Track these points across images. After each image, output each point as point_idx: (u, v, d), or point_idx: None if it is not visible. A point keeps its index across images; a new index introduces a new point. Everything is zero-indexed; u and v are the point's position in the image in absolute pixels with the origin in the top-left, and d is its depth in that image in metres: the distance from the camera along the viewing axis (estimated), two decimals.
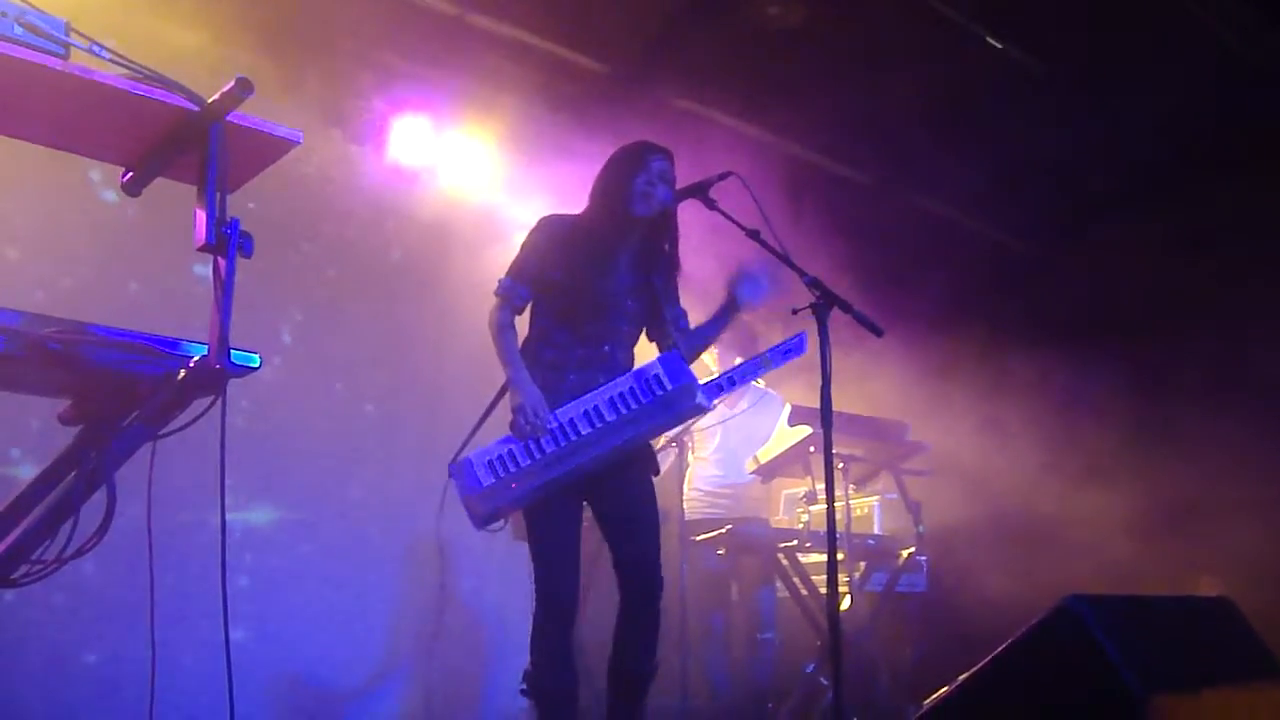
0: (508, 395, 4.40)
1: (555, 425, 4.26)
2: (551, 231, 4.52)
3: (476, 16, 6.60)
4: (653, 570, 4.38)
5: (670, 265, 4.63)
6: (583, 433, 4.26)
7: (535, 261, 4.48)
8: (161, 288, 5.91)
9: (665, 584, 4.42)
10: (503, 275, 4.51)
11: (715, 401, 4.53)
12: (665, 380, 4.32)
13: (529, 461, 4.23)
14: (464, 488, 4.24)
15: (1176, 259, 7.53)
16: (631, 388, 4.32)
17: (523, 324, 4.55)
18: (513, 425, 4.28)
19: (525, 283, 4.48)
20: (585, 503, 4.42)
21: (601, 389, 4.33)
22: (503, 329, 4.44)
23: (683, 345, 4.58)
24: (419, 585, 7.08)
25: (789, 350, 4.51)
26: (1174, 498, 7.08)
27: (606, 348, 4.46)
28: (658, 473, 4.60)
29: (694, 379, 4.35)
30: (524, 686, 4.36)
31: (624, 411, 4.29)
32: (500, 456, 4.24)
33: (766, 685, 6.71)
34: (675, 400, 4.29)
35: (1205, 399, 7.34)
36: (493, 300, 4.49)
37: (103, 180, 6.00)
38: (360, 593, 6.73)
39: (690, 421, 4.54)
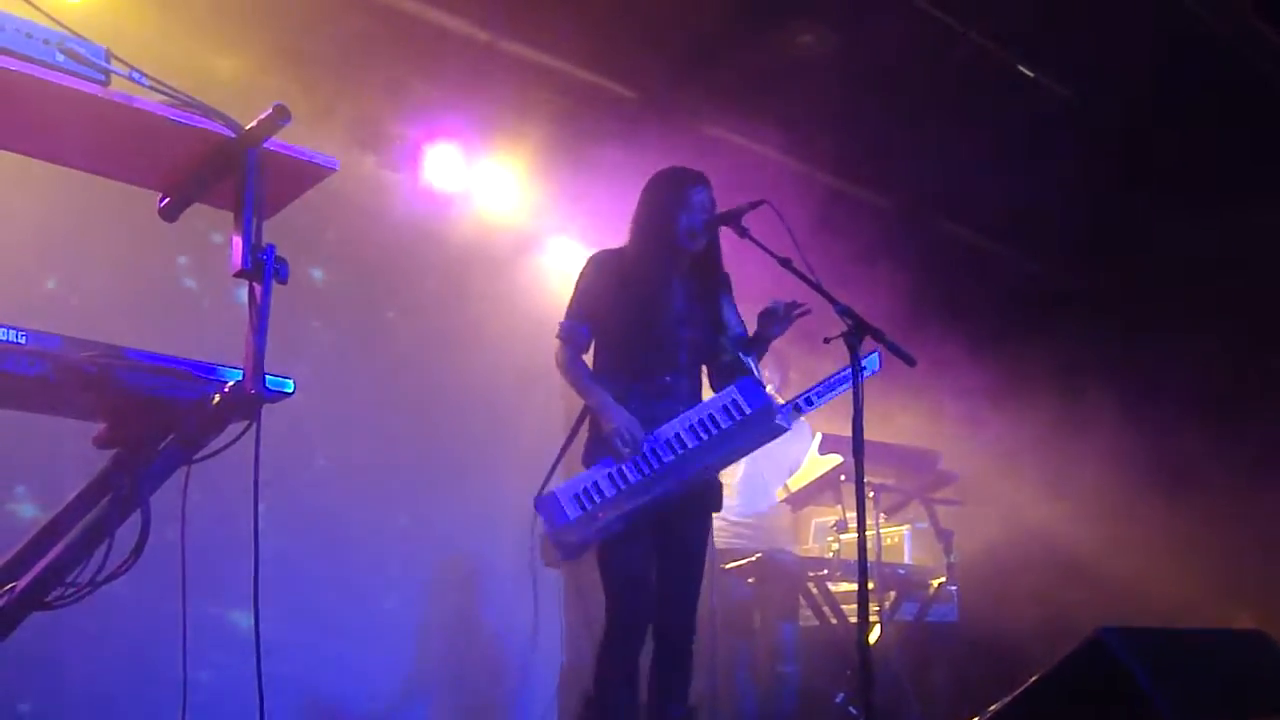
0: (586, 427, 4.52)
1: (645, 450, 4.34)
2: (603, 269, 4.62)
3: (508, 43, 6.63)
4: (689, 618, 4.48)
5: (720, 286, 4.71)
6: (665, 460, 4.34)
7: (590, 301, 4.59)
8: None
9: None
10: (562, 318, 4.61)
11: (794, 421, 4.57)
12: (744, 404, 4.41)
13: (615, 491, 4.31)
14: (552, 522, 4.31)
15: (1210, 287, 7.49)
16: (710, 414, 4.42)
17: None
18: (606, 449, 4.36)
19: (584, 322, 4.58)
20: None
21: (681, 417, 4.43)
22: (573, 363, 4.56)
23: (717, 373, 4.68)
24: (446, 609, 7.09)
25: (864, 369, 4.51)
26: (1211, 531, 7.03)
27: (667, 379, 4.52)
28: (719, 509, 4.64)
29: (771, 400, 4.46)
30: (584, 710, 4.38)
31: (704, 438, 4.38)
32: (586, 489, 4.33)
33: (794, 715, 6.68)
34: (755, 422, 4.40)
35: (1242, 433, 7.29)
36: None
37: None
38: (388, 616, 6.73)
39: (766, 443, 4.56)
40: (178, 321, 6.02)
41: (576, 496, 4.31)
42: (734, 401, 4.41)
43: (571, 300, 4.64)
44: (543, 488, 4.41)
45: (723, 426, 4.38)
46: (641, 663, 4.44)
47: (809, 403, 4.63)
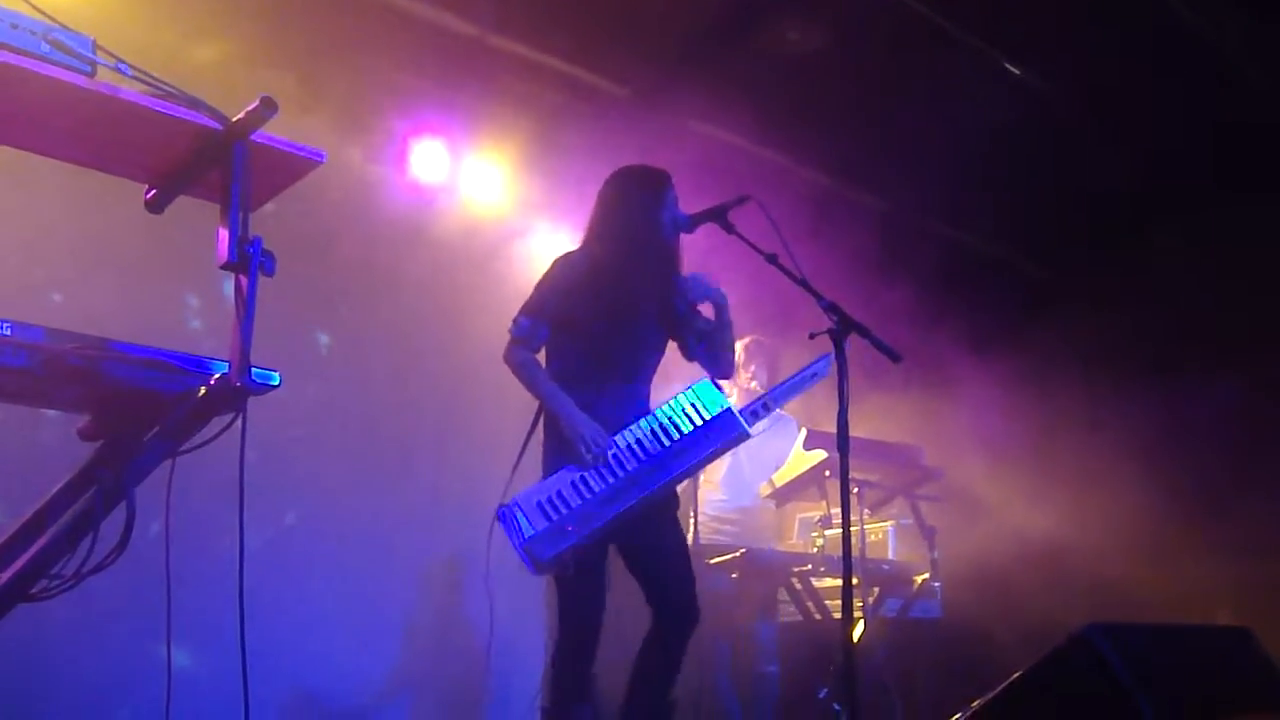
0: (542, 430, 4.39)
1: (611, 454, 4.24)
2: (572, 270, 4.48)
3: (497, 38, 6.62)
4: (692, 601, 4.39)
5: (685, 287, 4.65)
6: (630, 469, 4.23)
7: (556, 302, 4.43)
8: None
9: None
10: (519, 315, 4.45)
11: (756, 426, 4.49)
12: (704, 409, 4.35)
13: (580, 502, 4.17)
14: (517, 535, 4.11)
15: (1199, 287, 7.52)
16: (672, 419, 4.34)
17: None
18: (570, 455, 4.23)
19: (546, 323, 4.42)
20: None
21: (641, 423, 4.33)
22: (530, 366, 4.40)
23: (716, 359, 4.64)
24: (430, 606, 7.08)
25: (814, 373, 4.52)
26: (1193, 527, 7.06)
27: (636, 383, 4.47)
28: (678, 506, 4.61)
29: (730, 406, 4.40)
30: None
31: (667, 444, 4.29)
32: (550, 498, 4.16)
33: (776, 710, 6.68)
34: (717, 429, 4.34)
35: (1227, 430, 7.32)
36: (507, 337, 4.46)
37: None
38: (372, 611, 6.72)
39: (731, 450, 4.51)
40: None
41: (540, 506, 4.14)
42: (694, 405, 4.35)
43: (533, 299, 4.47)
44: (504, 494, 4.23)
45: (684, 432, 4.30)
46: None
47: (765, 407, 4.55)
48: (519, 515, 4.14)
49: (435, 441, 7.24)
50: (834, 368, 4.01)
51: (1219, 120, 7.19)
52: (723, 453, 4.49)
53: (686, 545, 4.52)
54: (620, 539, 4.35)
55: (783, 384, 4.59)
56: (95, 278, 5.72)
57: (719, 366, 4.65)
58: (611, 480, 4.21)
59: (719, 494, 6.83)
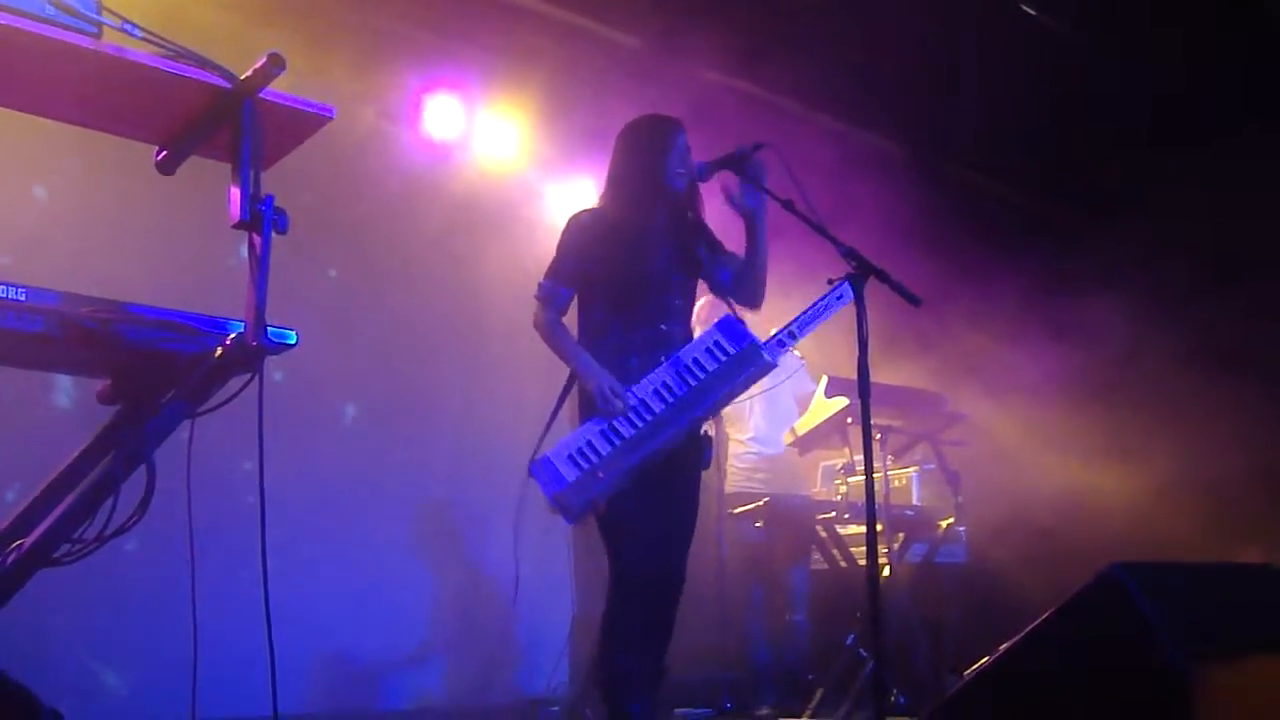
0: (575, 391, 4.40)
1: (633, 403, 4.25)
2: (584, 228, 4.51)
3: None
4: (679, 576, 4.42)
5: (703, 228, 4.64)
6: (657, 411, 4.25)
7: (573, 260, 4.47)
8: None
9: (704, 556, 4.41)
10: (541, 278, 4.51)
11: (780, 356, 4.48)
12: (727, 345, 4.35)
13: (610, 448, 4.19)
14: (550, 485, 4.14)
15: (1210, 224, 7.47)
16: (695, 359, 4.33)
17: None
18: (593, 409, 4.25)
19: (565, 283, 4.47)
20: None
21: (665, 365, 4.34)
22: (554, 327, 4.45)
23: (745, 283, 4.57)
24: (456, 566, 7.10)
25: (839, 295, 4.46)
26: (1217, 465, 7.02)
27: (663, 326, 4.45)
28: (709, 465, 4.60)
29: (755, 339, 4.39)
30: (600, 675, 4.32)
31: (693, 383, 4.29)
32: (580, 449, 4.18)
33: (805, 657, 6.71)
34: (742, 363, 4.32)
35: (1251, 367, 7.27)
36: (534, 301, 4.49)
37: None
38: (397, 573, 6.75)
39: (757, 382, 4.50)
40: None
41: (571, 457, 4.16)
42: (717, 343, 4.36)
43: (553, 261, 4.52)
44: (535, 451, 4.23)
45: (709, 369, 4.31)
46: None
47: (792, 336, 4.52)
48: (552, 468, 4.15)
49: (456, 396, 7.25)
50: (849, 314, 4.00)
51: (1223, 59, 7.11)
52: (750, 384, 4.46)
53: (694, 522, 4.53)
54: (653, 494, 4.34)
55: (807, 311, 4.53)
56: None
57: (747, 294, 4.62)
58: (640, 425, 4.23)
59: (749, 443, 6.84)
